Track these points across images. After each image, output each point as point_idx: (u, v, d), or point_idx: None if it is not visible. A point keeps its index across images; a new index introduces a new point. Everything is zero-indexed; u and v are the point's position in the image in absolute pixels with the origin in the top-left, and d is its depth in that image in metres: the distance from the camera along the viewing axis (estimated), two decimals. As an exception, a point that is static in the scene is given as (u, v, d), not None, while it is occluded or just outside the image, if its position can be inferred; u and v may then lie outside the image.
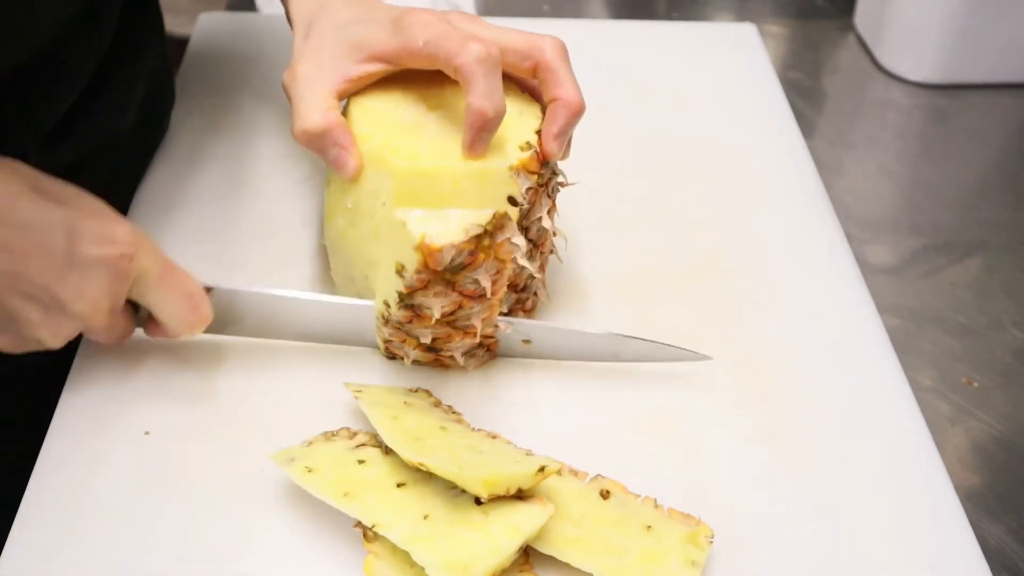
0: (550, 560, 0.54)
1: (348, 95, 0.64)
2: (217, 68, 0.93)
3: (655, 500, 0.58)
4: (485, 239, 0.58)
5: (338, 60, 0.63)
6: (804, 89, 1.15)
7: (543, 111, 0.63)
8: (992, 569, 0.57)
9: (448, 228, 0.58)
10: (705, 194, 0.82)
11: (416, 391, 0.62)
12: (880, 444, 0.63)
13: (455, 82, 0.59)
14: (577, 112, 0.62)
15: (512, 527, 0.52)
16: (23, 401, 0.77)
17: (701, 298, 0.72)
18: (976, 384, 0.82)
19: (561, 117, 0.61)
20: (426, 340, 0.62)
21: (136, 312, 0.62)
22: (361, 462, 0.56)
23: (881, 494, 0.61)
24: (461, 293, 0.60)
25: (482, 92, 0.58)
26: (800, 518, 0.59)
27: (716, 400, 0.66)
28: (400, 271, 0.59)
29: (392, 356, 0.65)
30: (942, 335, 0.87)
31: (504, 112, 0.59)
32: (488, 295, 0.60)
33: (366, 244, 0.62)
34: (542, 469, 0.53)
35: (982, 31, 1.10)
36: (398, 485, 0.55)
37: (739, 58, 0.99)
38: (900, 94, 1.15)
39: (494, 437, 0.60)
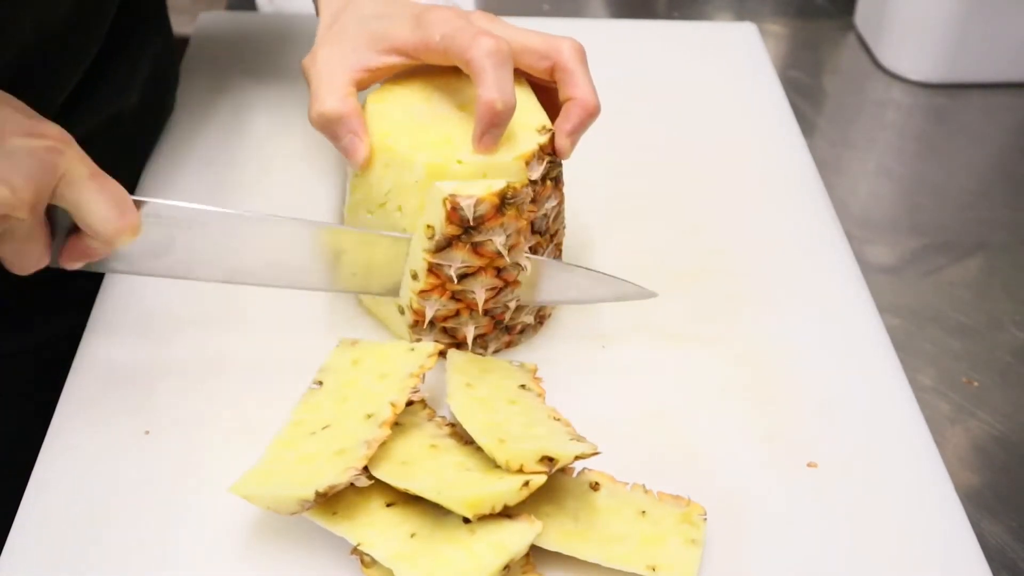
0: (554, 556, 0.55)
1: (365, 86, 0.65)
2: (217, 68, 0.93)
3: (644, 486, 0.58)
4: (507, 196, 0.60)
5: (359, 50, 0.64)
6: (804, 89, 1.15)
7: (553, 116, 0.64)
8: (992, 569, 0.57)
9: (473, 190, 0.59)
10: (705, 193, 0.82)
11: (410, 404, 0.62)
12: (880, 444, 0.63)
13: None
14: (591, 112, 0.62)
15: (498, 545, 0.52)
16: (22, 401, 0.77)
17: (701, 297, 0.72)
18: (976, 384, 0.82)
19: (575, 116, 0.62)
20: (440, 310, 0.63)
21: (52, 239, 0.59)
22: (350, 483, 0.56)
23: (881, 493, 0.61)
24: (480, 254, 0.61)
25: (491, 84, 0.58)
26: (800, 517, 0.59)
27: (716, 399, 0.66)
28: (430, 232, 0.60)
29: (417, 325, 0.66)
30: (942, 335, 0.87)
31: (514, 106, 0.59)
32: (505, 257, 0.61)
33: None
34: (526, 484, 0.53)
35: (982, 31, 1.10)
36: (387, 505, 0.55)
37: (739, 58, 0.99)
38: (900, 94, 1.15)
39: None
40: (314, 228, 0.63)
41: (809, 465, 0.62)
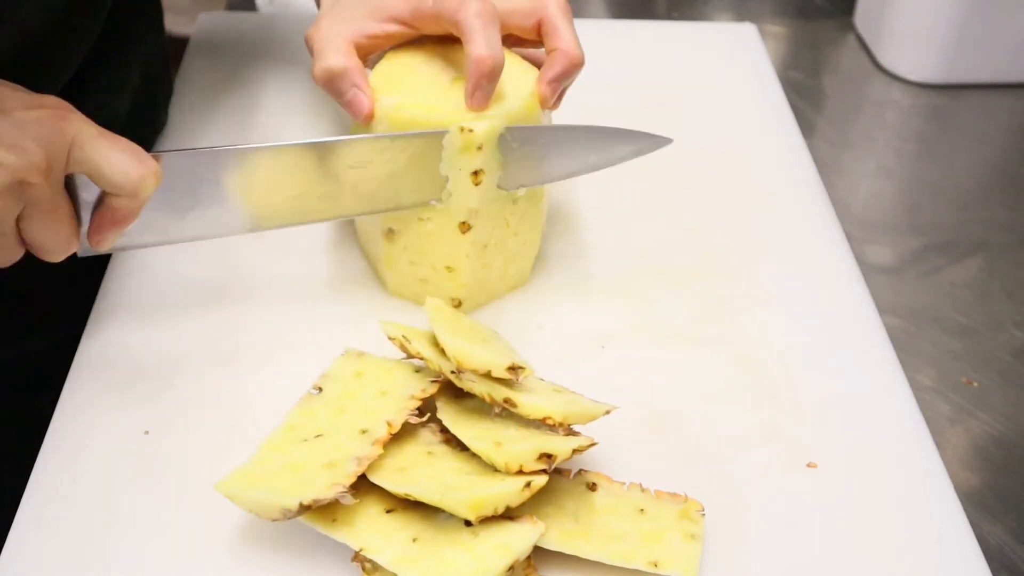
0: (555, 556, 0.55)
1: (365, 51, 0.66)
2: (217, 68, 0.93)
3: (640, 484, 0.58)
4: None
5: (359, 19, 0.66)
6: (804, 89, 1.15)
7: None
8: (992, 569, 0.57)
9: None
10: (705, 194, 0.82)
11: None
12: (880, 444, 0.63)
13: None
14: (574, 62, 0.64)
15: (502, 546, 0.52)
16: (22, 400, 0.77)
17: (701, 297, 0.72)
18: (976, 384, 0.82)
19: (558, 64, 0.64)
20: None
21: (79, 224, 0.59)
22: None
23: (881, 493, 0.61)
24: None
25: (481, 42, 0.60)
26: (799, 518, 0.59)
27: (716, 399, 0.66)
28: None
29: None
30: (942, 335, 0.87)
31: (503, 62, 0.61)
32: None
33: None
34: (528, 484, 0.53)
35: (982, 31, 1.10)
36: (387, 511, 0.55)
37: (739, 58, 0.99)
38: (900, 94, 1.15)
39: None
40: (335, 145, 0.63)
41: (809, 465, 0.62)
